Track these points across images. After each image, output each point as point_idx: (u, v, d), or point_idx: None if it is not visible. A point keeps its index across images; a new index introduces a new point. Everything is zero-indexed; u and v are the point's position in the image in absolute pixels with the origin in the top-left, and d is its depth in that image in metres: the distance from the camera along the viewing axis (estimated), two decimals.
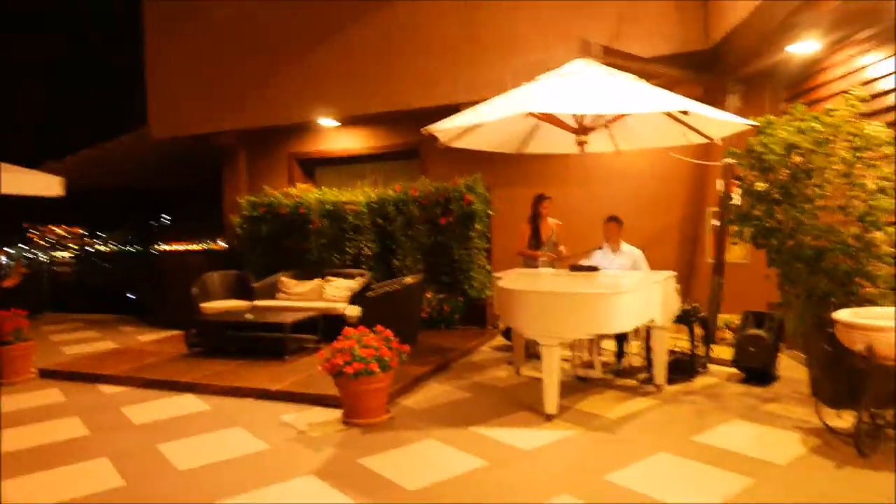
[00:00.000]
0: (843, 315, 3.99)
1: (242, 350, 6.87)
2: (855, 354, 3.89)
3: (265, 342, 6.82)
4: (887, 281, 4.24)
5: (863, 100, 4.39)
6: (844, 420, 4.30)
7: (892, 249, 4.22)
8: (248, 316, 7.17)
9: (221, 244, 13.19)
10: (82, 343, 8.56)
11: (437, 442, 4.40)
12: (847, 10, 4.71)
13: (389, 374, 4.84)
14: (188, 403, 5.54)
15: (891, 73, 4.62)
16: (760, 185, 4.68)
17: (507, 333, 6.56)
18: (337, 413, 4.97)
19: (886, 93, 4.67)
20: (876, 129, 4.26)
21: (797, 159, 4.45)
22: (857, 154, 4.29)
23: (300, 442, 4.51)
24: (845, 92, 4.51)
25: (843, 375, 4.25)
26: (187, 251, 18.74)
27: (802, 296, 4.66)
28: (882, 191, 4.21)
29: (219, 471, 4.05)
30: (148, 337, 8.63)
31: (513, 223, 7.65)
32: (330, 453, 4.27)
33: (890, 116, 4.58)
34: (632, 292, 4.69)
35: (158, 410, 5.38)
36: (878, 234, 4.25)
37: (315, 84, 8.87)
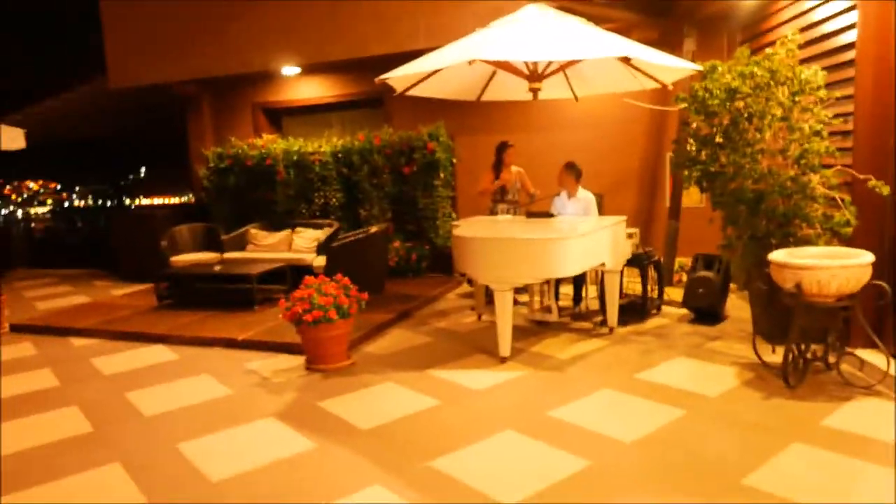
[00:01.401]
0: (776, 255, 4.17)
1: (212, 301, 7.00)
2: (785, 292, 4.10)
3: (234, 293, 6.96)
4: (821, 221, 4.41)
5: (800, 45, 4.47)
6: (779, 355, 4.53)
7: (826, 191, 4.38)
8: (217, 268, 7.28)
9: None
10: (55, 298, 8.64)
11: (394, 385, 4.60)
12: None
13: (349, 321, 5.00)
14: (157, 354, 5.70)
15: (832, 17, 4.68)
16: (705, 130, 4.79)
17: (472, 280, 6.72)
18: (301, 360, 5.15)
19: (829, 35, 4.73)
20: (811, 73, 4.35)
21: (739, 104, 4.55)
22: (795, 98, 4.40)
23: (263, 387, 4.69)
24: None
25: (777, 313, 4.49)
26: (157, 205, 18.61)
27: (744, 237, 4.84)
28: (817, 134, 4.34)
29: (183, 416, 4.24)
30: (120, 291, 8.71)
31: (477, 171, 7.72)
32: (291, 397, 4.47)
33: (833, 59, 4.66)
34: (576, 238, 4.82)
35: (128, 361, 5.53)
36: (813, 177, 4.40)
37: (273, 31, 8.69)
